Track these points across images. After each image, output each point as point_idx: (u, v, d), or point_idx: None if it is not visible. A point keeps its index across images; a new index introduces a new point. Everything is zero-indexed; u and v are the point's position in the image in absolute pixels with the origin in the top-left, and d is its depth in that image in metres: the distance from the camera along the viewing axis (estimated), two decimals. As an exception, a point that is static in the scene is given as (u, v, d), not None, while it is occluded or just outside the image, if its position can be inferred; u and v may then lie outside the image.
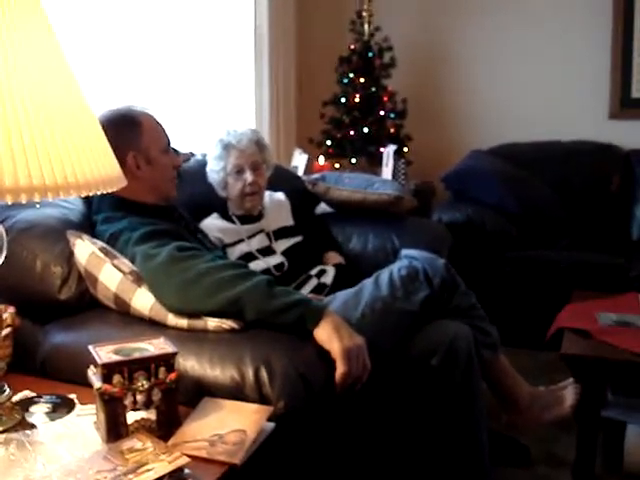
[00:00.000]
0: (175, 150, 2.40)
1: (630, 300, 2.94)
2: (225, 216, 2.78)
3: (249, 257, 2.63)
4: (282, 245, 2.76)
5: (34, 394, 1.63)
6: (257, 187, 2.75)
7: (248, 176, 2.71)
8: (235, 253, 2.65)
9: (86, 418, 1.54)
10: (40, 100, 1.27)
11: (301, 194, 3.23)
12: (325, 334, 1.74)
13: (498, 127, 4.72)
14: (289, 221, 2.90)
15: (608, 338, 2.54)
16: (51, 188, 1.21)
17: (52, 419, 1.51)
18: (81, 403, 1.59)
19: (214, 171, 2.75)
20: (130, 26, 3.40)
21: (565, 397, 2.43)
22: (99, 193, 1.37)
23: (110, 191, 1.37)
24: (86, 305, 1.96)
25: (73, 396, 1.61)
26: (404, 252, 2.43)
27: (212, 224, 2.72)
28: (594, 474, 2.53)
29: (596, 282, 3.50)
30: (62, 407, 1.57)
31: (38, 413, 1.54)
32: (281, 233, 2.81)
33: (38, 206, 2.03)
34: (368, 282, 2.25)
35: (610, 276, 3.61)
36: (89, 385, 1.49)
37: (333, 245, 2.94)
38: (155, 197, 2.21)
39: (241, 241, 2.70)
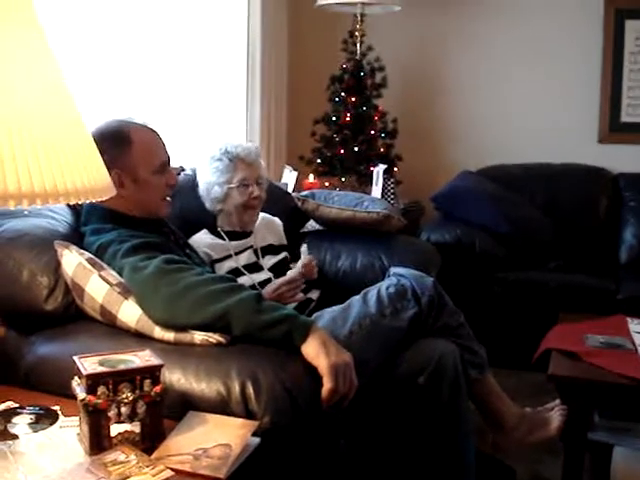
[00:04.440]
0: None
1: (618, 322, 2.94)
2: (213, 232, 2.77)
3: (236, 273, 2.62)
4: (269, 261, 2.76)
5: (17, 405, 1.60)
6: (259, 201, 2.76)
7: (255, 189, 2.72)
8: (223, 269, 2.64)
9: (69, 430, 1.52)
10: (31, 108, 1.27)
11: (290, 211, 3.23)
12: (312, 350, 1.72)
13: (488, 148, 4.75)
14: (280, 240, 2.91)
15: (595, 360, 2.53)
16: (40, 195, 1.20)
17: (35, 430, 1.49)
18: (65, 415, 1.57)
19: (217, 183, 2.71)
20: (124, 42, 3.40)
21: (551, 419, 2.42)
22: (88, 202, 1.36)
23: (99, 200, 1.36)
24: (72, 316, 1.95)
25: (57, 407, 1.59)
26: (392, 270, 2.42)
27: (201, 240, 2.70)
28: (580, 497, 2.52)
29: (584, 305, 3.51)
30: (45, 418, 1.54)
31: (21, 424, 1.51)
32: (268, 250, 2.81)
33: (27, 212, 2.02)
34: (356, 299, 2.25)
35: (598, 299, 3.62)
36: (73, 397, 1.48)
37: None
38: (144, 213, 2.19)
39: (229, 257, 2.69)
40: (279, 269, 2.72)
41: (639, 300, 3.49)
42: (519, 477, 2.64)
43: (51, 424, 1.52)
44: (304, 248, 2.76)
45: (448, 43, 4.84)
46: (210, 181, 2.73)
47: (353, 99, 4.47)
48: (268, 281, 2.64)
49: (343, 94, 4.50)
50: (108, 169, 2.00)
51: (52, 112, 1.31)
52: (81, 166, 1.30)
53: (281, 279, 2.55)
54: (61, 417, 1.55)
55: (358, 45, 4.52)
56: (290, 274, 2.58)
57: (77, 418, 1.51)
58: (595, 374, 2.47)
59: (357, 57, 4.52)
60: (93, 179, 1.32)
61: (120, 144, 2.11)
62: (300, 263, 2.64)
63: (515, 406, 2.44)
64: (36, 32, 1.33)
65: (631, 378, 2.40)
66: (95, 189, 1.32)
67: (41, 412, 1.57)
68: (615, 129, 4.58)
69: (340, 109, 4.51)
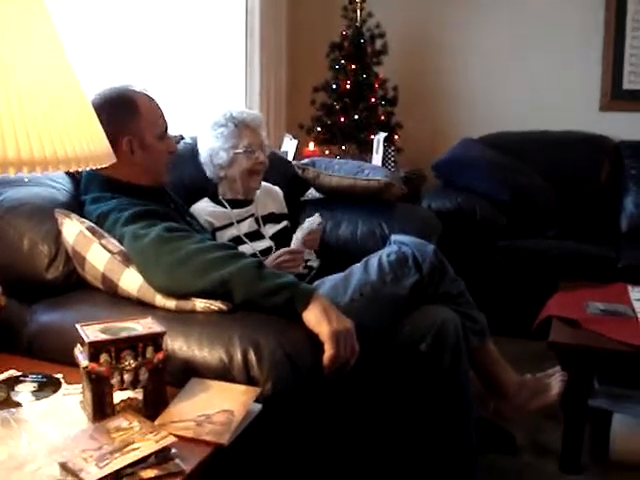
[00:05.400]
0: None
1: (618, 290, 2.95)
2: (215, 200, 2.76)
3: (238, 241, 2.62)
4: (270, 230, 2.75)
5: (20, 373, 1.61)
6: (263, 167, 2.75)
7: (260, 155, 2.72)
8: (225, 237, 2.63)
9: (72, 397, 1.53)
10: (30, 75, 1.26)
11: (290, 179, 3.22)
12: (313, 317, 1.73)
13: (489, 116, 4.72)
14: (281, 209, 2.90)
15: (596, 327, 2.55)
16: (39, 162, 1.20)
17: (38, 398, 1.50)
18: (67, 382, 1.57)
19: (222, 149, 2.70)
20: (122, 8, 3.37)
21: (552, 385, 2.43)
22: (87, 171, 1.36)
23: (99, 167, 1.36)
24: (73, 285, 1.95)
25: (59, 375, 1.60)
26: (393, 237, 2.42)
27: (202, 208, 2.70)
28: (580, 463, 2.54)
29: (585, 273, 3.52)
30: (48, 386, 1.55)
31: (24, 392, 1.52)
32: (269, 218, 2.80)
33: (27, 179, 2.01)
34: (357, 267, 2.25)
35: (599, 267, 3.62)
36: (76, 365, 1.48)
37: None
38: (146, 180, 2.18)
39: (231, 225, 2.68)
40: (280, 238, 2.72)
41: (639, 268, 3.49)
42: (519, 443, 2.67)
43: (54, 392, 1.53)
44: (315, 217, 2.73)
45: (448, 9, 4.79)
46: (214, 147, 2.71)
47: (353, 66, 4.44)
48: (269, 249, 2.64)
49: (343, 61, 4.47)
50: (118, 137, 2.02)
51: (51, 79, 1.30)
52: (80, 133, 1.30)
53: (283, 248, 2.56)
54: (64, 385, 1.56)
55: (358, 11, 4.49)
56: (293, 245, 2.59)
57: (80, 386, 1.51)
58: (595, 341, 2.48)
59: (357, 24, 4.48)
60: (93, 146, 1.32)
61: (128, 110, 2.11)
62: (301, 230, 2.63)
63: (515, 373, 2.46)
64: (37, 2, 1.32)
65: (631, 345, 2.41)
66: (95, 156, 1.31)
67: (44, 380, 1.58)
68: (617, 97, 4.55)
69: (340, 76, 4.48)
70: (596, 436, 2.67)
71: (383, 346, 2.09)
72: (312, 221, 2.66)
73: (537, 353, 2.99)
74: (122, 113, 2.09)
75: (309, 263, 2.65)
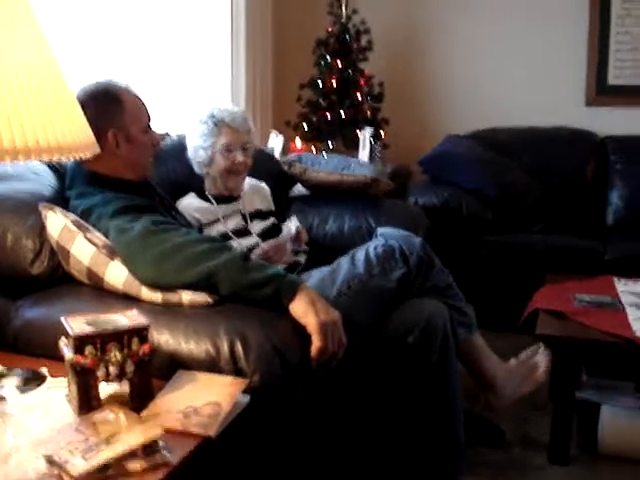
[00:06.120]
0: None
1: (605, 282, 2.96)
2: (201, 195, 2.74)
3: (225, 238, 2.60)
4: (257, 226, 2.74)
5: (4, 368, 1.59)
6: (243, 167, 2.71)
7: (238, 155, 2.67)
8: (212, 233, 2.61)
9: (57, 390, 1.51)
10: (12, 64, 1.25)
11: (277, 176, 3.21)
12: (301, 308, 1.72)
13: (475, 112, 4.72)
14: (269, 206, 2.89)
15: (582, 319, 2.55)
16: (22, 151, 1.19)
17: (22, 392, 1.49)
18: (52, 376, 1.56)
19: (202, 147, 2.68)
20: (108, 6, 3.35)
21: (538, 363, 2.45)
22: (71, 166, 1.35)
23: (82, 157, 1.35)
24: (59, 280, 1.93)
25: (44, 369, 1.58)
26: (380, 230, 2.42)
27: (189, 204, 2.68)
28: (569, 455, 2.54)
29: (571, 266, 3.52)
30: (33, 380, 1.54)
31: (8, 386, 1.51)
32: (256, 215, 2.79)
33: (9, 168, 1.99)
34: (344, 260, 2.24)
35: (585, 260, 3.63)
36: (62, 359, 1.47)
37: None
38: (131, 174, 2.16)
39: (217, 221, 2.67)
40: (267, 234, 2.71)
41: (626, 261, 3.51)
42: (508, 437, 2.67)
43: (39, 385, 1.52)
44: (294, 221, 2.76)
45: (433, 5, 4.79)
46: (196, 145, 2.70)
47: (339, 63, 4.44)
48: (256, 246, 2.63)
49: (329, 58, 4.46)
50: (103, 130, 2.02)
51: (34, 69, 1.29)
52: (63, 122, 1.28)
53: (268, 242, 2.56)
54: (49, 378, 1.55)
55: (343, 8, 4.48)
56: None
57: (65, 379, 1.50)
58: (582, 332, 2.48)
59: (342, 20, 4.48)
60: (76, 135, 1.31)
61: (115, 103, 2.10)
62: (287, 230, 2.67)
63: (503, 363, 2.46)
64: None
65: (618, 336, 2.41)
66: (78, 145, 1.30)
67: (28, 374, 1.57)
68: (602, 92, 4.56)
69: (326, 73, 4.47)
70: (584, 428, 2.68)
71: (371, 339, 2.09)
72: (291, 225, 2.72)
73: (524, 347, 2.99)
74: (107, 107, 2.08)
75: (296, 258, 2.65)
